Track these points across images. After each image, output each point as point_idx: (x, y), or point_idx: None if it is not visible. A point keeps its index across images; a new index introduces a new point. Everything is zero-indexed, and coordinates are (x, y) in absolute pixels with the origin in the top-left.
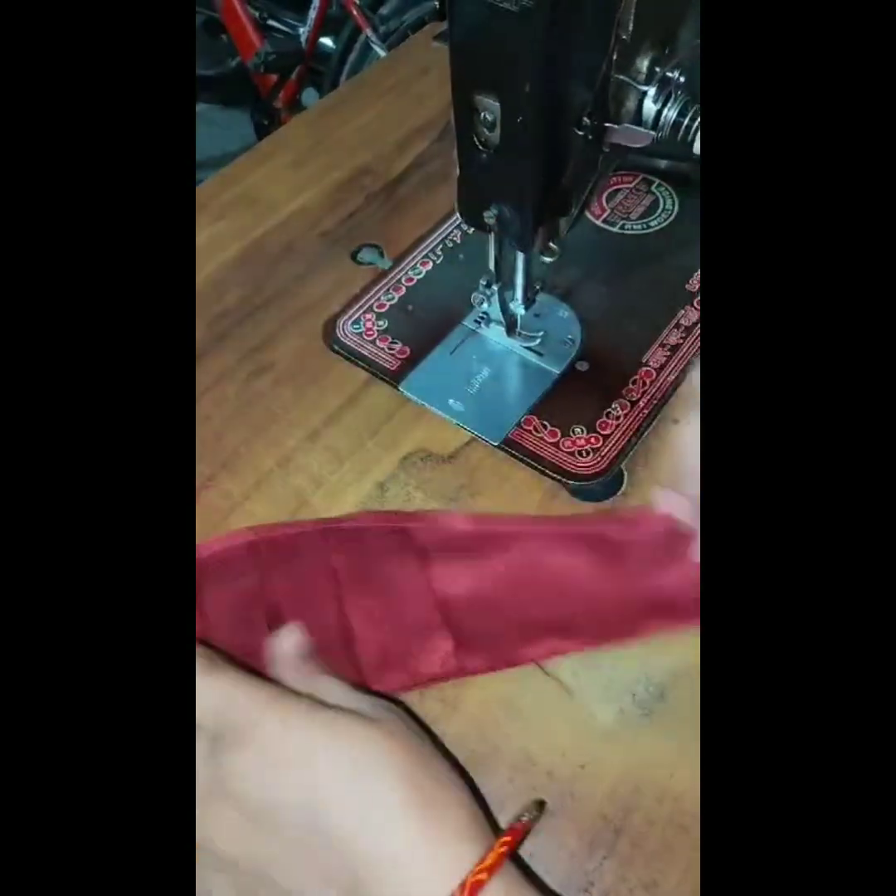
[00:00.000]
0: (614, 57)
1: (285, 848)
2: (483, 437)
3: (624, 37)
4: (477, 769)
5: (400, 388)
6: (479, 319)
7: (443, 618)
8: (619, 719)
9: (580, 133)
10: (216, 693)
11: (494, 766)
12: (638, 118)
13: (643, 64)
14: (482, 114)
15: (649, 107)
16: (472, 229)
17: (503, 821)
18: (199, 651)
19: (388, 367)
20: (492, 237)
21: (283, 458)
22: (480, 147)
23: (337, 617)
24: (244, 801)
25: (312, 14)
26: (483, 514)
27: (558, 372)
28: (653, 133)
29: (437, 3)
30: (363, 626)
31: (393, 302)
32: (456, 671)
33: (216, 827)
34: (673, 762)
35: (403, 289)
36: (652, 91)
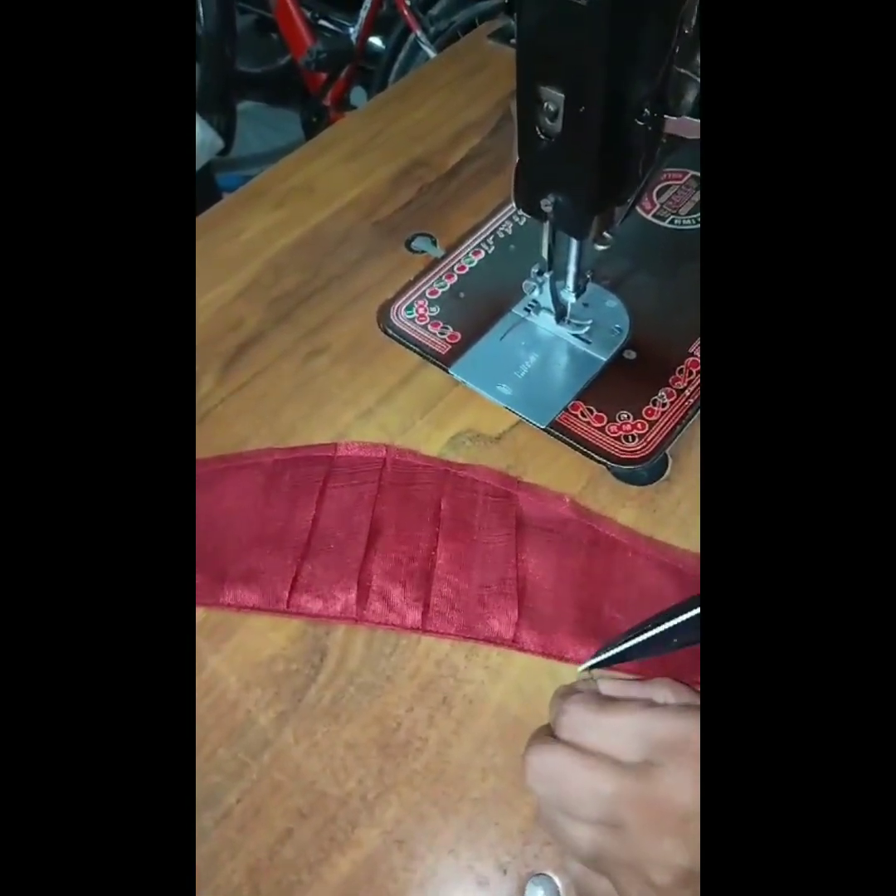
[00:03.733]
0: (676, 50)
1: None
2: (530, 420)
3: (687, 31)
4: (519, 735)
5: (450, 372)
6: (528, 307)
7: (518, 588)
8: None
9: (640, 124)
10: (634, 721)
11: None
12: (695, 110)
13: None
14: (545, 104)
15: None
16: (525, 220)
17: None
18: (591, 696)
19: (439, 351)
20: (546, 225)
21: (337, 434)
22: (542, 136)
23: (427, 551)
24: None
25: (363, 14)
26: (588, 510)
27: (605, 359)
28: None
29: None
30: (446, 566)
31: (445, 289)
32: (510, 641)
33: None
34: None
35: (455, 277)
36: None
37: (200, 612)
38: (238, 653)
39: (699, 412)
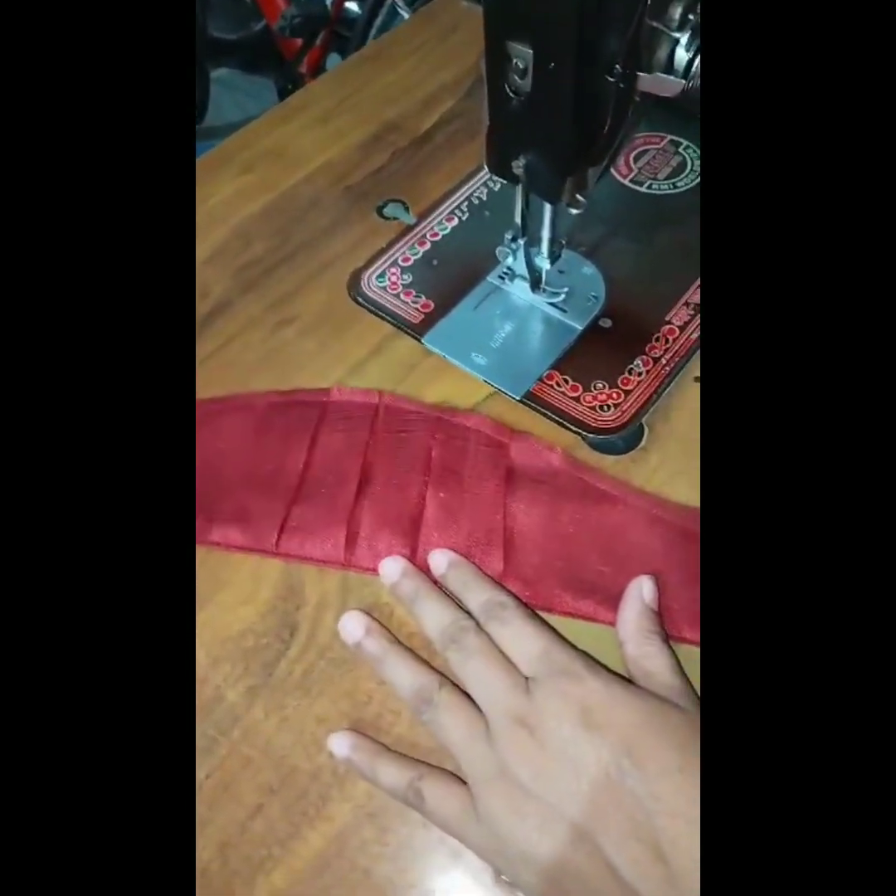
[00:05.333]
0: (648, 3)
1: (592, 788)
2: (505, 390)
3: None
4: None
5: (423, 342)
6: (503, 275)
7: (505, 538)
8: None
9: (612, 81)
10: (541, 640)
11: None
12: (669, 67)
13: (676, 11)
14: (514, 61)
15: (681, 55)
16: (499, 186)
17: None
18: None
19: (411, 320)
20: (519, 189)
21: None
22: (511, 95)
23: (417, 498)
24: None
25: None
26: (580, 461)
27: (581, 328)
28: (683, 82)
29: None
30: (435, 515)
31: (417, 256)
32: None
33: (517, 753)
34: None
35: (428, 244)
36: (684, 38)
37: None
38: (207, 628)
39: (678, 378)
